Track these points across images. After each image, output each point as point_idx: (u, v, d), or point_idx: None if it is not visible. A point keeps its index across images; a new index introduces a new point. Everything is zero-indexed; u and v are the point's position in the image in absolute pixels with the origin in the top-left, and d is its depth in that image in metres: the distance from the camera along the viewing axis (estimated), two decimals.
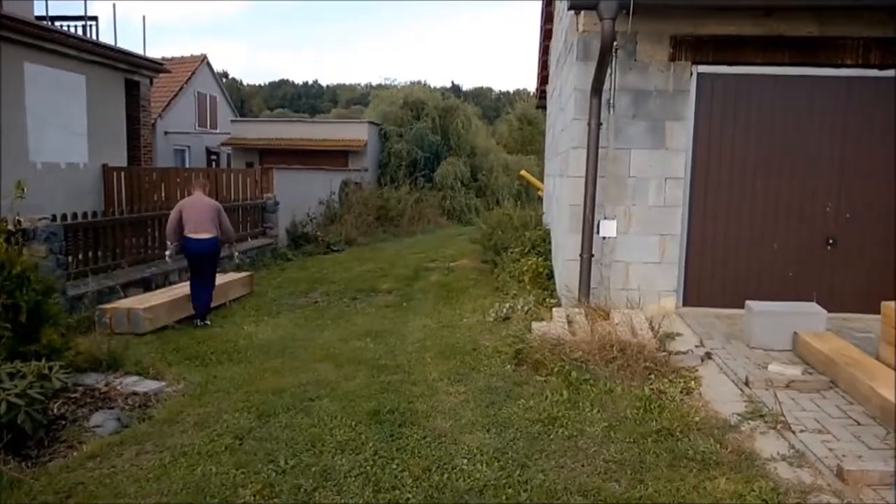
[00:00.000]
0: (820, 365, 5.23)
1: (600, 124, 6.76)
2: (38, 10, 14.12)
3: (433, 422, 4.67)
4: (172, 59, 26.56)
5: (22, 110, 11.81)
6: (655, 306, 7.03)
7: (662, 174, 7.02)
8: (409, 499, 3.63)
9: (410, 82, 30.10)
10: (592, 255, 6.88)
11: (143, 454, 4.22)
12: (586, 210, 6.81)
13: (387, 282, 11.05)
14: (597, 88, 6.62)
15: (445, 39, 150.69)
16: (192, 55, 28.79)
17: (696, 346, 5.97)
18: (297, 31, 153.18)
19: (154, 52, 24.19)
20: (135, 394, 5.33)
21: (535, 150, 30.91)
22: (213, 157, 27.93)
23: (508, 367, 5.80)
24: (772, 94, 6.96)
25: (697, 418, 4.51)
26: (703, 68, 6.93)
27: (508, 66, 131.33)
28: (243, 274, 9.99)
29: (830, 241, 6.98)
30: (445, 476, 3.85)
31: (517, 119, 36.70)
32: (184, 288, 8.63)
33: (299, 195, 15.84)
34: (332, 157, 23.44)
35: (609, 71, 6.64)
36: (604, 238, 7.04)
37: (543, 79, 14.15)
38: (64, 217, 8.24)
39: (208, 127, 28.52)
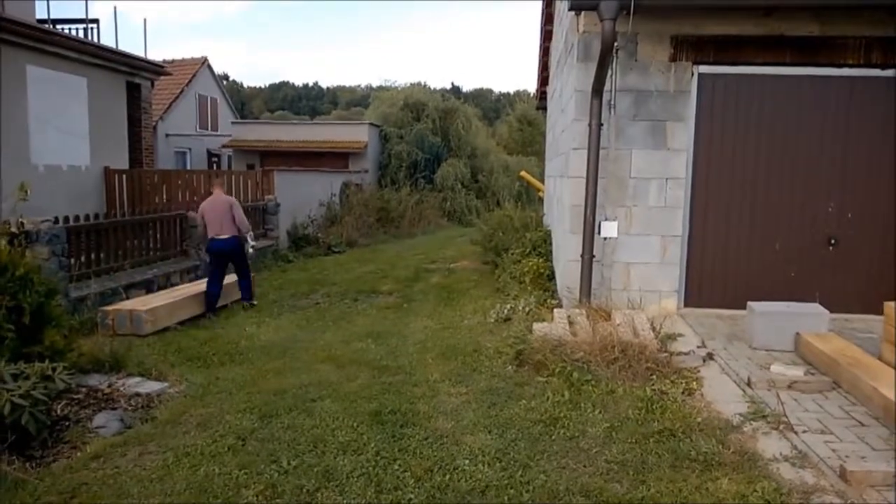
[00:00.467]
0: (822, 365, 5.23)
1: (601, 125, 6.77)
2: (40, 12, 14.11)
3: (435, 422, 4.67)
4: (173, 61, 26.63)
5: (24, 113, 11.84)
6: (657, 307, 7.03)
7: (664, 175, 7.02)
8: (411, 499, 3.63)
9: (410, 84, 30.19)
10: (594, 256, 6.88)
11: (146, 455, 4.23)
12: (587, 211, 6.81)
13: (387, 283, 11.06)
14: (597, 89, 6.62)
15: (445, 41, 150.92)
16: (192, 57, 28.86)
17: (698, 347, 5.97)
18: (297, 33, 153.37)
19: (154, 54, 24.21)
20: (137, 395, 5.34)
21: (535, 151, 30.97)
22: (214, 159, 27.96)
23: (510, 367, 5.80)
24: (773, 95, 6.96)
25: (699, 419, 4.51)
26: (704, 68, 6.94)
27: (508, 68, 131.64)
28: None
29: (832, 242, 6.98)
30: (447, 477, 3.86)
31: (517, 120, 36.78)
32: (185, 289, 8.68)
33: (300, 197, 15.85)
34: (333, 158, 23.49)
35: (610, 72, 6.65)
36: (605, 239, 7.04)
37: (544, 80, 14.16)
38: (66, 219, 8.25)
39: (209, 129, 28.56)
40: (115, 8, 27.42)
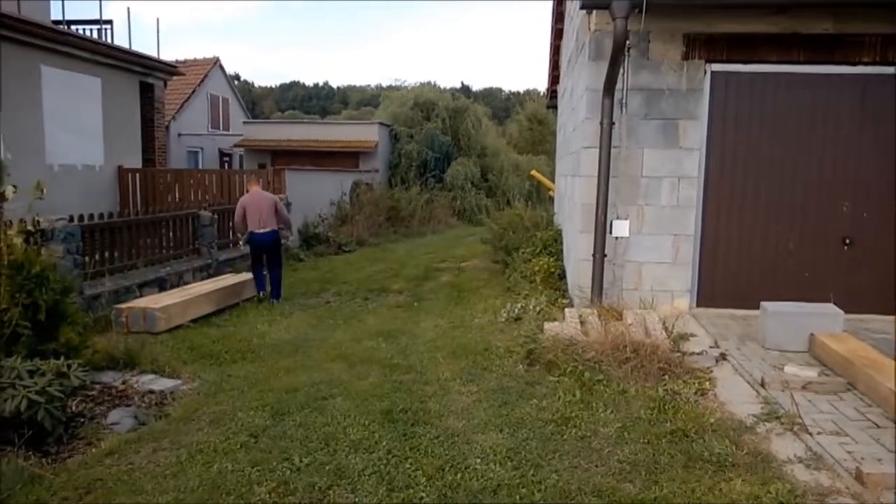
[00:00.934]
0: (837, 366, 5.19)
1: (612, 124, 6.74)
2: (55, 13, 14.20)
3: (446, 421, 4.67)
4: (185, 61, 26.76)
5: (39, 113, 11.94)
6: (669, 307, 7.00)
7: (676, 174, 6.99)
8: (422, 498, 3.64)
9: (420, 83, 30.18)
10: (605, 255, 6.86)
11: (159, 451, 4.26)
12: (598, 210, 6.80)
13: (398, 282, 11.08)
14: (609, 88, 6.60)
15: (455, 40, 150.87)
16: (204, 57, 29.00)
17: (711, 347, 5.95)
18: (307, 34, 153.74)
19: (166, 54, 24.33)
20: (151, 392, 5.38)
21: (545, 150, 30.90)
22: (226, 158, 28.09)
23: (521, 367, 5.79)
24: (787, 93, 6.91)
25: (712, 419, 4.49)
26: (716, 67, 6.90)
27: (518, 67, 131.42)
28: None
29: (847, 241, 6.92)
30: (459, 475, 3.86)
31: (527, 119, 36.72)
32: (198, 288, 8.75)
33: (311, 196, 15.90)
34: (343, 158, 23.54)
35: (621, 70, 6.62)
36: (616, 238, 7.03)
37: (554, 79, 14.14)
38: (81, 218, 8.32)
39: (221, 128, 28.69)
40: (128, 9, 27.60)
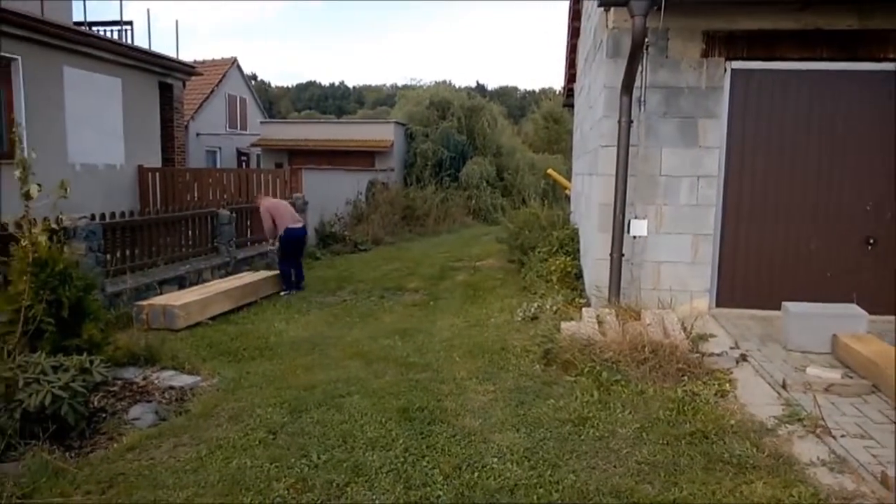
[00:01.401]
0: (860, 368, 5.12)
1: (631, 122, 6.71)
2: (77, 15, 14.35)
3: (462, 420, 4.67)
4: (204, 61, 26.95)
5: (61, 113, 12.07)
6: (688, 307, 6.95)
7: (695, 172, 6.94)
8: (439, 496, 3.64)
9: (436, 82, 30.13)
10: (623, 255, 6.83)
11: (180, 447, 4.30)
12: (616, 209, 6.76)
13: (414, 281, 11.08)
14: (627, 86, 6.56)
15: (470, 39, 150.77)
16: (222, 58, 29.21)
17: (731, 348, 5.90)
18: (324, 34, 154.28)
19: (184, 55, 24.50)
20: (171, 388, 5.43)
21: (561, 148, 30.81)
22: (244, 157, 28.28)
23: (537, 366, 5.78)
24: (809, 91, 6.83)
25: (733, 421, 4.45)
26: (737, 64, 6.84)
27: (534, 65, 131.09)
28: (274, 272, 10.09)
29: (871, 242, 6.83)
30: (476, 474, 3.86)
31: (543, 118, 36.60)
32: (216, 285, 8.84)
33: (327, 195, 15.96)
34: (359, 157, 23.60)
35: (640, 68, 6.59)
36: (634, 237, 6.99)
37: (571, 77, 14.08)
38: (102, 216, 8.41)
39: (238, 128, 28.89)
40: (147, 10, 27.82)
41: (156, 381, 5.53)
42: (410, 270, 12.23)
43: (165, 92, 15.35)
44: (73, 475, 3.84)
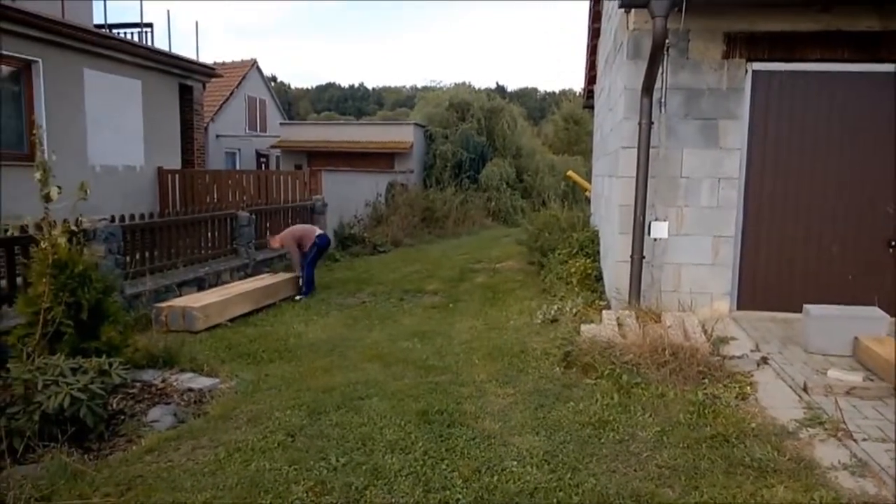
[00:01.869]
0: (882, 371, 5.04)
1: (651, 124, 6.65)
2: (97, 17, 14.53)
3: (482, 423, 4.65)
4: (224, 63, 27.21)
5: (82, 115, 12.20)
6: (708, 309, 6.88)
7: (716, 174, 6.87)
8: (459, 499, 3.62)
9: (455, 84, 30.17)
10: (643, 257, 6.77)
11: (198, 449, 4.31)
12: (637, 211, 6.71)
13: (433, 283, 11.08)
14: (648, 87, 6.51)
15: (490, 40, 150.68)
16: (242, 60, 29.44)
17: (752, 351, 5.84)
18: (343, 35, 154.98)
19: (204, 56, 24.71)
20: (190, 390, 5.45)
21: (581, 150, 30.69)
22: (263, 159, 28.48)
23: (557, 369, 5.75)
24: (831, 92, 6.74)
25: (753, 424, 4.41)
26: (758, 65, 6.77)
27: (554, 67, 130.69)
28: (292, 274, 10.13)
29: (893, 244, 6.72)
30: (495, 478, 3.84)
31: (563, 119, 36.53)
32: (235, 287, 8.93)
33: (347, 197, 16.01)
34: (379, 158, 23.67)
35: (660, 69, 6.53)
36: (655, 239, 6.93)
37: (591, 78, 14.01)
38: (122, 218, 8.47)
39: (258, 130, 29.10)
40: (167, 12, 28.07)
41: (174, 384, 5.56)
42: (430, 272, 12.22)
43: (185, 94, 15.47)
44: (92, 477, 3.86)
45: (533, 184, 26.44)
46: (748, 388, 5.04)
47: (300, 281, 9.94)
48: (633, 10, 6.69)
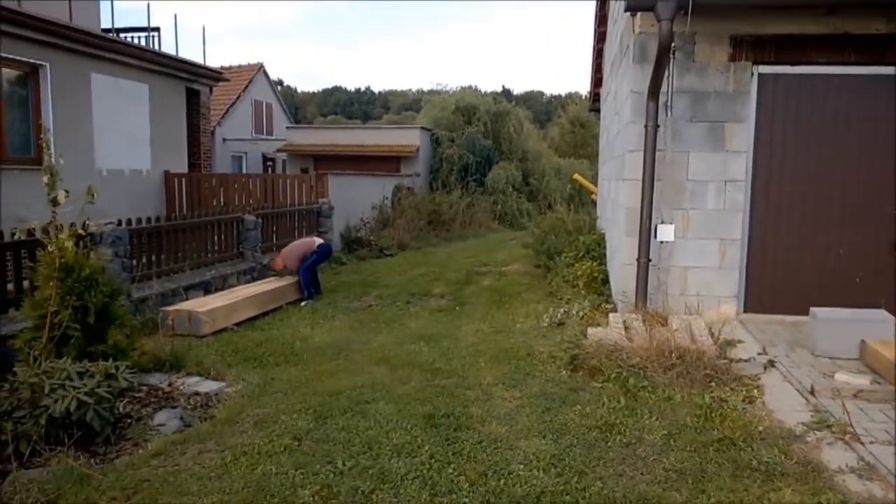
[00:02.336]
0: (890, 374, 5.01)
1: (657, 127, 6.65)
2: (104, 22, 14.58)
3: (488, 426, 4.65)
4: (230, 67, 27.29)
5: (89, 119, 12.26)
6: (715, 312, 6.86)
7: (722, 177, 6.86)
8: (465, 503, 3.62)
9: (461, 87, 30.32)
10: (649, 260, 6.76)
11: (205, 453, 4.32)
12: (643, 214, 6.70)
13: (439, 286, 11.08)
14: (654, 91, 6.51)
15: (496, 44, 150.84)
16: (248, 63, 29.55)
17: (759, 354, 5.81)
18: (350, 39, 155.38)
19: (210, 60, 24.83)
20: (196, 394, 5.46)
21: (587, 153, 30.71)
22: (269, 162, 28.55)
23: (564, 372, 5.74)
24: (837, 95, 6.72)
25: (761, 428, 4.39)
26: (764, 68, 6.75)
27: (560, 70, 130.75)
28: (298, 278, 10.13)
29: None
30: (502, 481, 3.83)
31: (569, 122, 36.57)
32: (242, 291, 8.95)
33: (353, 200, 16.03)
34: (385, 162, 23.69)
35: (666, 73, 6.52)
36: (661, 242, 6.92)
37: (597, 82, 14.01)
38: (129, 222, 8.50)
39: (264, 133, 29.18)
40: (174, 16, 28.19)
41: (181, 387, 5.57)
42: (436, 275, 12.22)
43: (192, 98, 15.52)
44: (98, 481, 3.87)
45: (539, 187, 26.45)
46: (755, 391, 5.03)
47: (300, 286, 9.96)
48: (638, 14, 6.69)
